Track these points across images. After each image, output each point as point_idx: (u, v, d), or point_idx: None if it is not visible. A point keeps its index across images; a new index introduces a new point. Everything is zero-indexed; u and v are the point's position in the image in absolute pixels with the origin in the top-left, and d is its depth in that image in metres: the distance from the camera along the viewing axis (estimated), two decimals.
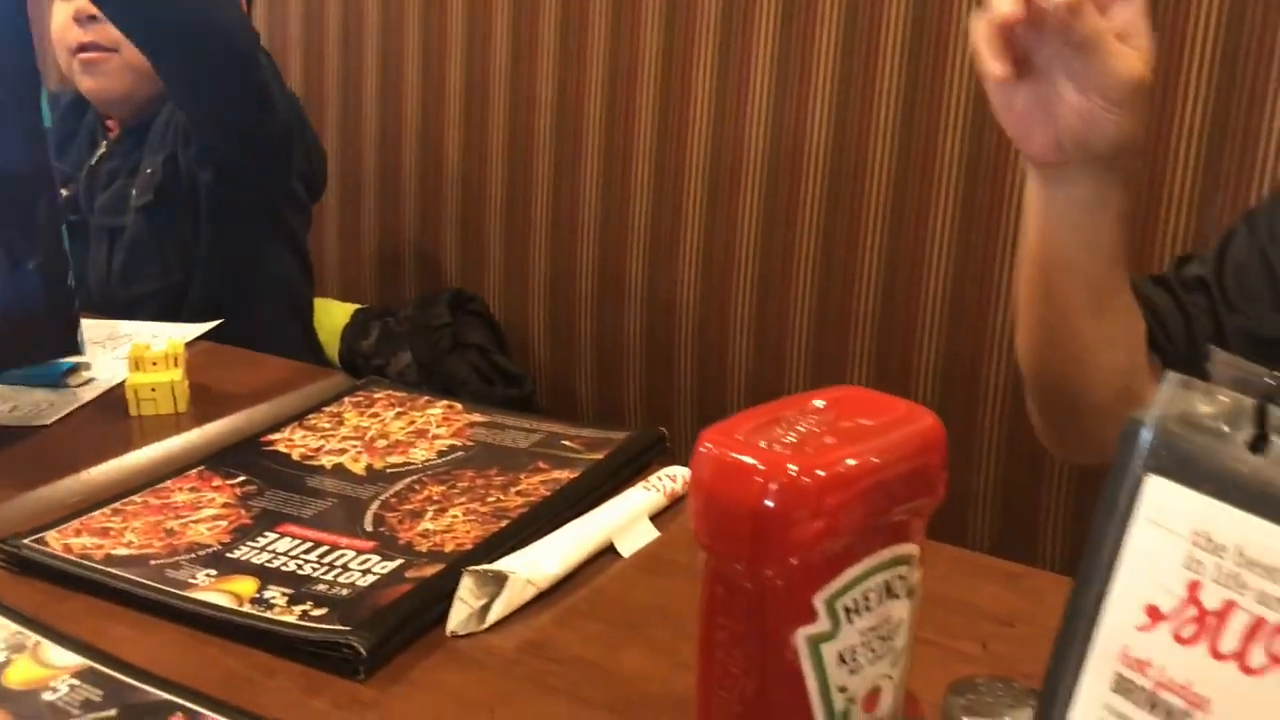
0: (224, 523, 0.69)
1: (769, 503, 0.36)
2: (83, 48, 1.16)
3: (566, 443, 0.81)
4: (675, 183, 1.27)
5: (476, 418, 0.86)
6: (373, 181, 1.45)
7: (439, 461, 0.78)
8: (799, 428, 0.39)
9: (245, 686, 0.55)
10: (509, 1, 1.35)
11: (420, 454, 0.79)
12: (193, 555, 0.65)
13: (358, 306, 1.40)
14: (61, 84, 1.28)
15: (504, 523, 0.69)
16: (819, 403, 0.41)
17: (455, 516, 0.70)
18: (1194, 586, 0.29)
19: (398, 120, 1.42)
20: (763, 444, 0.38)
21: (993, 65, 0.58)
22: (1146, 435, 0.30)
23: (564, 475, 0.75)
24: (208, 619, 0.59)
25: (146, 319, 1.10)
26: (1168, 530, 0.30)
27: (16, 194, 0.82)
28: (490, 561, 0.63)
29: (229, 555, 0.65)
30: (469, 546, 0.66)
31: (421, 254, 1.47)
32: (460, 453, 0.79)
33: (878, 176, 1.17)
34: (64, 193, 1.20)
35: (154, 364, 0.89)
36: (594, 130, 1.32)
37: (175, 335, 1.02)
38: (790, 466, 0.36)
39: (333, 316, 1.37)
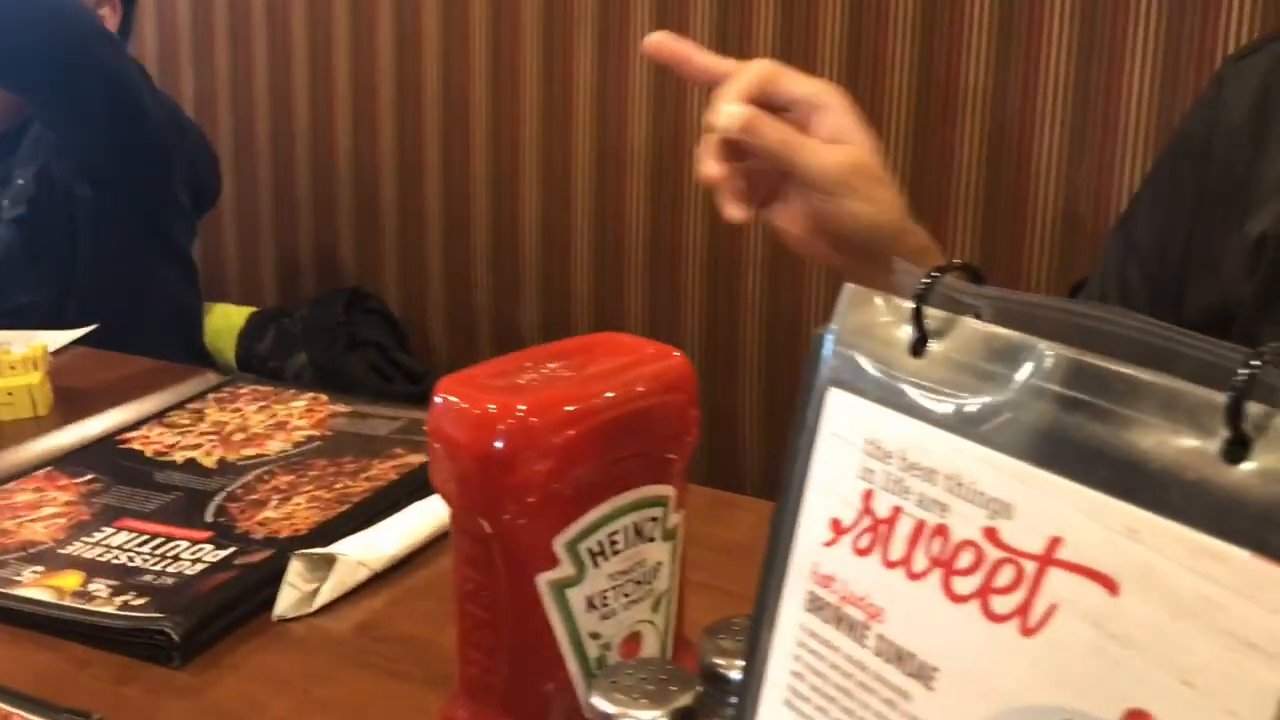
0: (62, 520, 0.68)
1: (498, 444, 0.35)
2: None
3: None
4: (563, 173, 1.27)
5: (340, 408, 0.84)
6: (267, 182, 1.43)
7: (293, 452, 0.77)
8: (541, 371, 0.38)
9: (58, 680, 0.54)
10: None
11: (276, 445, 0.78)
12: (22, 553, 0.64)
13: (254, 310, 1.39)
14: None
15: (345, 507, 0.68)
16: (566, 350, 0.40)
17: (298, 504, 0.69)
18: (867, 496, 0.28)
19: (288, 119, 1.41)
20: (497, 389, 0.37)
21: (731, 211, 0.59)
22: (828, 348, 0.30)
23: (418, 460, 0.74)
24: (25, 615, 0.58)
25: (33, 329, 1.08)
26: (846, 441, 0.29)
27: None
28: (326, 546, 0.62)
29: (60, 551, 0.64)
30: (304, 532, 0.65)
31: (319, 254, 1.45)
32: (317, 443, 0.78)
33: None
34: None
35: (12, 368, 0.87)
36: (480, 120, 1.31)
37: (46, 341, 1.00)
38: (519, 407, 0.36)
39: (230, 320, 1.35)
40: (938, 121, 1.13)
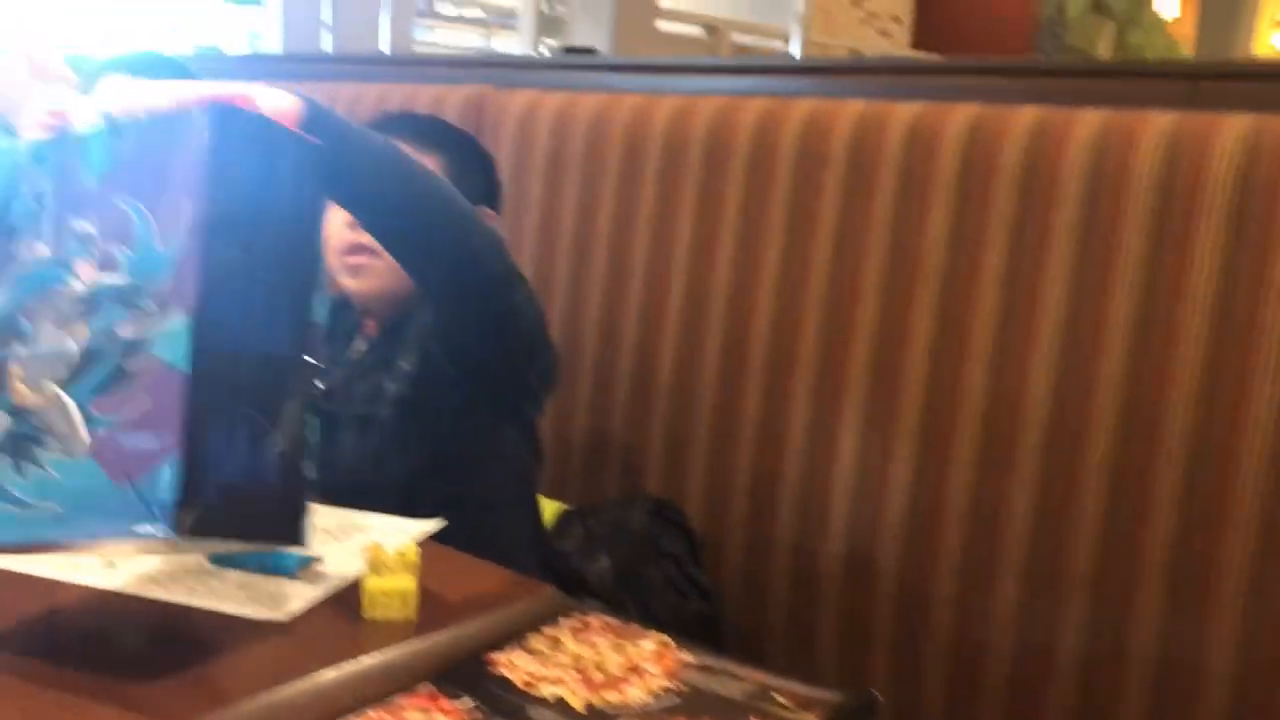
0: None
1: None
2: (351, 250, 1.25)
3: (777, 696, 0.82)
4: (889, 410, 1.29)
5: (687, 658, 0.87)
6: (587, 380, 1.51)
7: (654, 705, 0.79)
8: None
9: None
10: (735, 223, 1.41)
11: (636, 693, 0.81)
12: None
13: (563, 507, 1.45)
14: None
15: None
16: None
17: None
18: None
19: (618, 326, 1.49)
20: None
21: None
22: None
23: None
24: None
25: (389, 505, 1.16)
26: None
27: (272, 378, 0.87)
28: None
29: None
30: None
31: (626, 459, 1.51)
32: (675, 698, 0.81)
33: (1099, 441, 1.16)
34: (320, 385, 1.29)
35: (389, 568, 0.94)
36: (805, 364, 1.35)
37: (409, 529, 1.07)
38: None
39: (543, 511, 1.42)
40: None
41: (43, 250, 0.87)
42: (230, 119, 0.85)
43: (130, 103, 0.92)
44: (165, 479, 0.77)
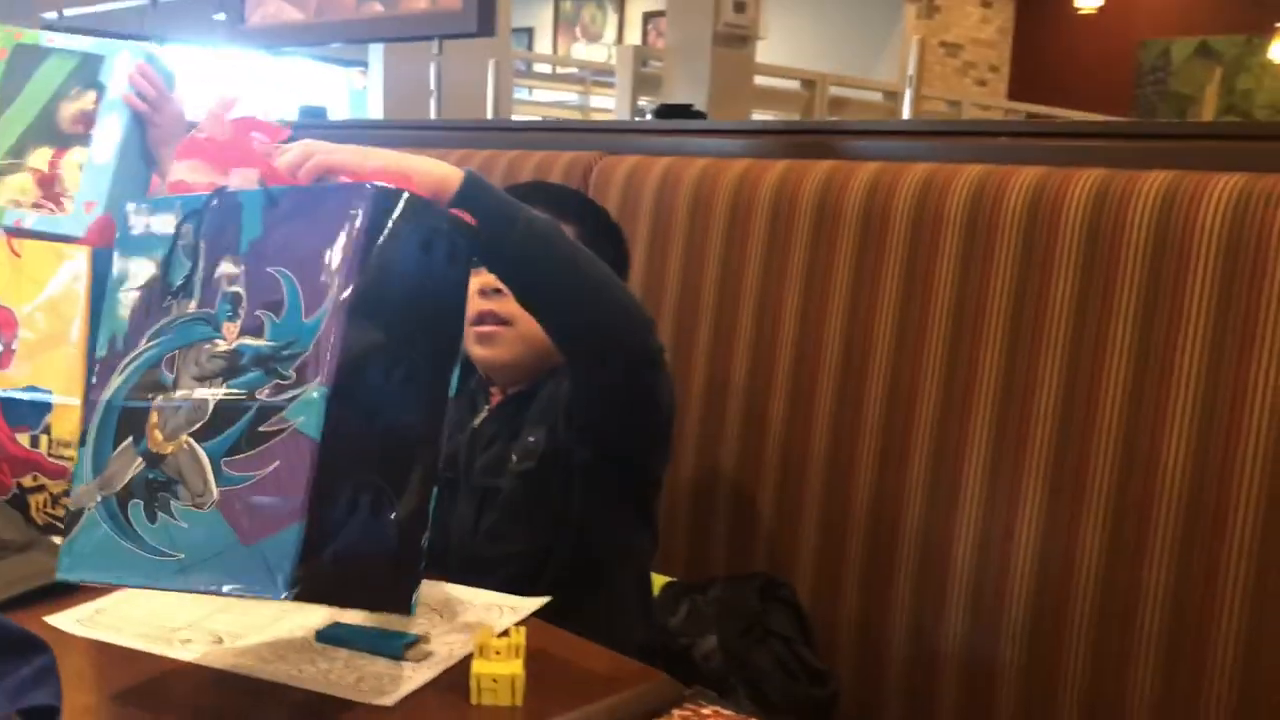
0: None
1: None
2: (481, 318, 1.24)
3: None
4: (1011, 486, 1.23)
5: None
6: (692, 452, 1.48)
7: None
8: None
9: None
10: (845, 288, 1.38)
11: None
12: None
13: (669, 580, 1.42)
14: None
15: None
16: None
17: None
18: None
19: (725, 387, 1.46)
20: None
21: None
22: None
23: None
24: None
25: (506, 579, 1.15)
26: None
27: (401, 450, 0.89)
28: None
29: None
30: None
31: (733, 534, 1.47)
32: None
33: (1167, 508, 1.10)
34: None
35: (497, 653, 0.91)
36: (921, 436, 1.31)
37: (514, 606, 1.05)
38: None
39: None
40: None
41: (191, 307, 0.90)
42: (388, 201, 0.86)
43: (310, 162, 0.94)
44: (288, 542, 0.79)
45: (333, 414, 0.81)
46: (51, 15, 4.34)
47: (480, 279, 1.22)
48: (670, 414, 1.24)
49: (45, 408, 1.21)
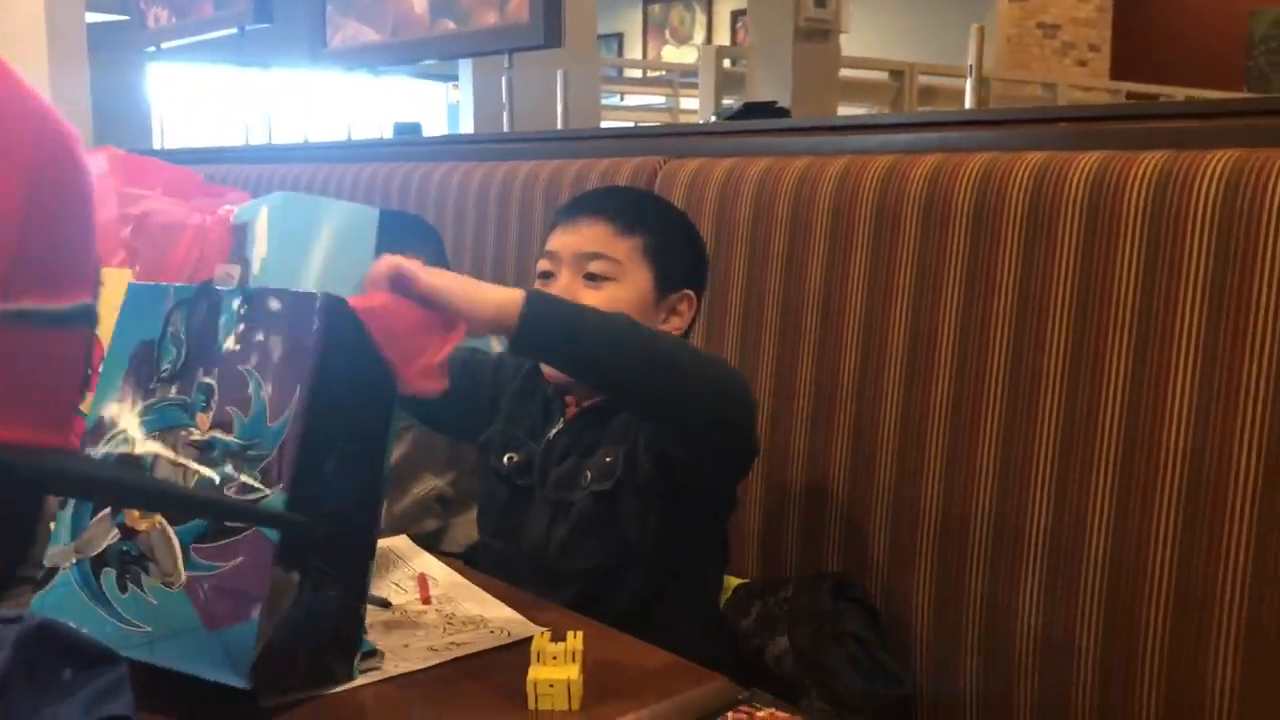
0: None
1: None
2: None
3: None
4: (1081, 485, 1.21)
5: None
6: (763, 462, 1.48)
7: None
8: None
9: None
10: (908, 284, 1.37)
11: None
12: None
13: (740, 582, 1.41)
14: None
15: None
16: None
17: None
18: None
19: (791, 390, 1.46)
20: None
21: None
22: None
23: None
24: None
25: (576, 594, 1.19)
26: None
27: (338, 533, 0.93)
28: None
29: None
30: None
31: (805, 535, 1.47)
32: None
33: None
34: (513, 458, 1.29)
35: (554, 658, 0.93)
36: (990, 427, 1.29)
37: (511, 631, 1.05)
38: None
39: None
40: None
41: (173, 392, 0.94)
42: (340, 309, 0.91)
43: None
44: (247, 637, 0.85)
45: (290, 516, 0.88)
46: (151, 49, 4.52)
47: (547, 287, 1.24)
48: (757, 450, 1.24)
49: None
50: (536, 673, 0.92)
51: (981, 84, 6.58)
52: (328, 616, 0.92)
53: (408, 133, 5.71)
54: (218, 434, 0.91)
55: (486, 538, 1.35)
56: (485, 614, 1.09)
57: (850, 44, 5.25)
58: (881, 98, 5.69)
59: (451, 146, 2.51)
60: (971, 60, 3.48)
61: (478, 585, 1.15)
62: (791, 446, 1.46)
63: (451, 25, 2.76)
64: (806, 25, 4.51)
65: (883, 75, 5.86)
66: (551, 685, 0.91)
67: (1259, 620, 1.09)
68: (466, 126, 5.41)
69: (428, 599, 1.13)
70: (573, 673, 0.92)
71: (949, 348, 1.32)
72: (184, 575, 0.89)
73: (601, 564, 1.23)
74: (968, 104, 3.57)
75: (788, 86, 4.53)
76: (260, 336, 0.91)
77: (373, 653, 0.97)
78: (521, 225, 1.90)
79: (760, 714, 0.90)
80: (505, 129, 2.91)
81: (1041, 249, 1.25)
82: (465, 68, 5.36)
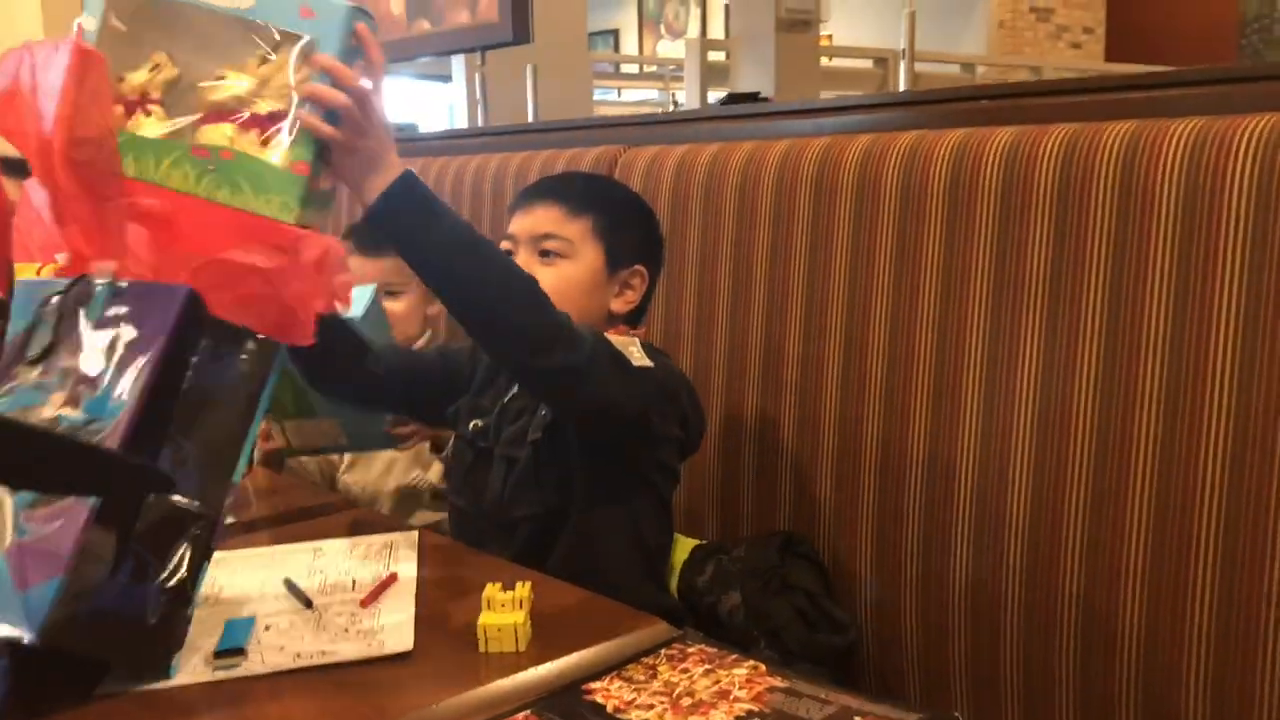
0: None
1: None
2: None
3: (858, 719, 0.84)
4: (1060, 450, 1.27)
5: (776, 682, 0.90)
6: (717, 418, 1.56)
7: None
8: None
9: None
10: (888, 265, 1.44)
11: (719, 717, 0.85)
12: None
13: (697, 542, 1.49)
14: None
15: None
16: None
17: None
18: None
19: (742, 361, 1.53)
20: None
21: None
22: None
23: None
24: None
25: (525, 540, 1.30)
26: None
27: (172, 526, 0.95)
28: None
29: None
30: None
31: (760, 499, 1.54)
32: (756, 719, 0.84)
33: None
34: (478, 424, 1.38)
35: (503, 605, 1.01)
36: (922, 372, 1.36)
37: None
38: None
39: (677, 550, 1.47)
40: None
41: (33, 377, 0.99)
42: (198, 309, 0.96)
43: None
44: (49, 592, 0.87)
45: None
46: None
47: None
48: (641, 406, 1.27)
49: None
50: (486, 618, 1.00)
51: (966, 70, 6.64)
52: (142, 605, 0.93)
53: (400, 131, 5.77)
54: (65, 410, 0.95)
55: (453, 497, 1.45)
56: (386, 623, 1.05)
57: (844, 32, 5.29)
58: (866, 85, 5.75)
59: (425, 143, 2.59)
60: (904, 44, 3.58)
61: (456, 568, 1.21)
62: (744, 411, 1.54)
63: (427, 25, 2.85)
64: (787, 15, 4.58)
65: (866, 64, 5.93)
66: (500, 629, 0.99)
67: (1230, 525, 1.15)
68: (460, 124, 5.48)
69: (368, 603, 1.09)
70: (519, 618, 1.00)
71: (881, 320, 1.40)
72: (9, 540, 0.91)
73: (542, 511, 1.30)
74: (902, 86, 3.67)
75: (770, 77, 4.60)
76: (121, 322, 0.96)
77: (239, 650, 0.99)
78: (494, 214, 1.99)
79: (691, 649, 0.98)
80: (480, 124, 2.99)
81: (1015, 228, 1.28)
82: (457, 67, 5.43)
